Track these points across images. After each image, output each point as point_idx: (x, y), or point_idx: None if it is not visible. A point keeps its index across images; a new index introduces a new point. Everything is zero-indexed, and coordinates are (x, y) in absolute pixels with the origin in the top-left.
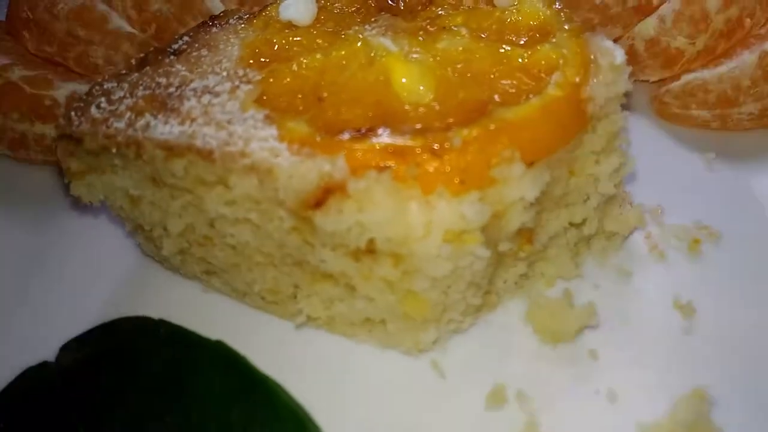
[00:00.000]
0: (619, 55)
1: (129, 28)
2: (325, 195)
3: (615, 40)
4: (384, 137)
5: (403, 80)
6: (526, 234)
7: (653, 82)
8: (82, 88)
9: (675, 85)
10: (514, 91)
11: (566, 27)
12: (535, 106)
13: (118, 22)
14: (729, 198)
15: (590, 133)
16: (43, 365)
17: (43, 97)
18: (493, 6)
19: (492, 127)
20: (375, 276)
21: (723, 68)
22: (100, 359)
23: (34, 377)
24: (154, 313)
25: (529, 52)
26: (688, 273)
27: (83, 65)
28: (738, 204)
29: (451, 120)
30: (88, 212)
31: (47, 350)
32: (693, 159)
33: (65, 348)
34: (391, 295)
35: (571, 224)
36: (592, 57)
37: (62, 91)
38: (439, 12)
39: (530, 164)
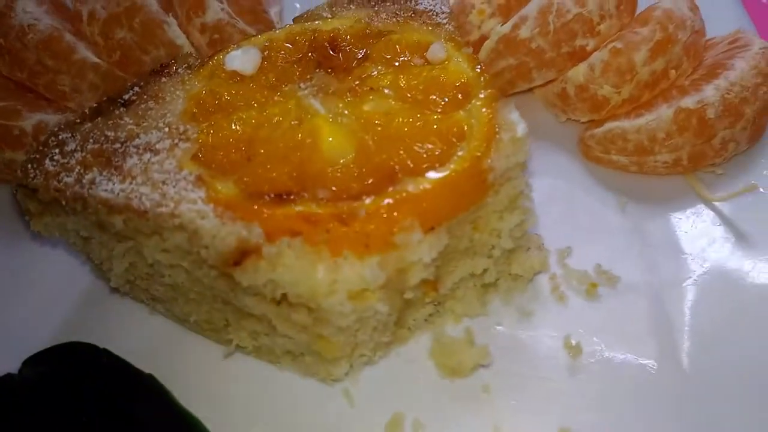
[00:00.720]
0: (520, 129)
1: (94, 59)
2: (242, 256)
3: (549, 83)
4: (299, 204)
5: (329, 139)
6: (430, 283)
7: (583, 122)
8: (49, 117)
9: (598, 131)
10: (425, 155)
11: (481, 95)
12: (437, 180)
13: (84, 52)
14: (634, 243)
15: (492, 195)
16: (7, 376)
17: (12, 127)
18: (426, 61)
19: (396, 198)
20: (291, 320)
21: (642, 120)
22: (53, 378)
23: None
24: (105, 333)
25: (443, 118)
26: (582, 315)
27: (52, 92)
28: (639, 249)
29: (368, 181)
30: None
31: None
32: (609, 200)
33: (26, 363)
34: (306, 336)
35: (473, 274)
36: (496, 130)
37: (30, 121)
38: (372, 72)
39: (429, 230)
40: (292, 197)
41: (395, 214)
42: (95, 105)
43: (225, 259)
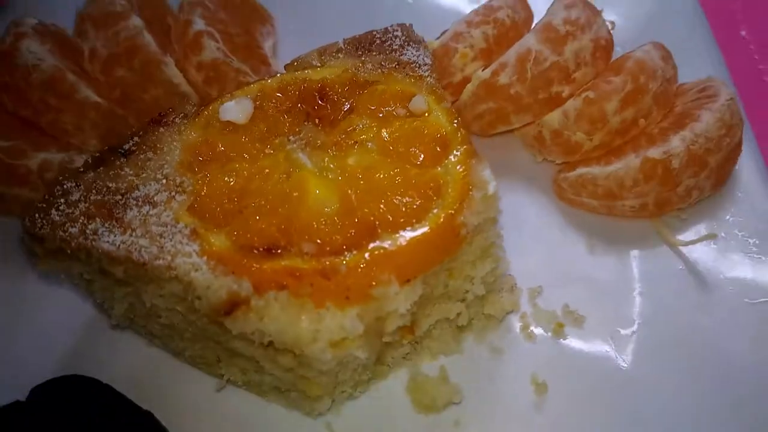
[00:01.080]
0: (491, 187)
1: (95, 98)
2: (232, 307)
3: (526, 125)
4: (286, 258)
5: (316, 192)
6: (407, 327)
7: (558, 163)
8: (53, 156)
9: (570, 174)
10: (403, 210)
11: (457, 152)
12: (411, 237)
13: (85, 92)
14: (600, 284)
15: (466, 246)
16: (17, 403)
17: (19, 166)
18: (408, 112)
19: (375, 254)
20: (277, 362)
21: (611, 167)
22: (59, 407)
23: (7, 412)
24: (106, 364)
25: (421, 172)
26: (549, 354)
27: (55, 129)
28: (604, 290)
29: (350, 233)
30: None
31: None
32: (578, 240)
33: (34, 391)
34: (291, 376)
35: (447, 318)
36: (470, 188)
37: (35, 160)
38: (358, 126)
39: (405, 282)
40: (279, 251)
41: (374, 269)
42: (97, 154)
43: (216, 309)
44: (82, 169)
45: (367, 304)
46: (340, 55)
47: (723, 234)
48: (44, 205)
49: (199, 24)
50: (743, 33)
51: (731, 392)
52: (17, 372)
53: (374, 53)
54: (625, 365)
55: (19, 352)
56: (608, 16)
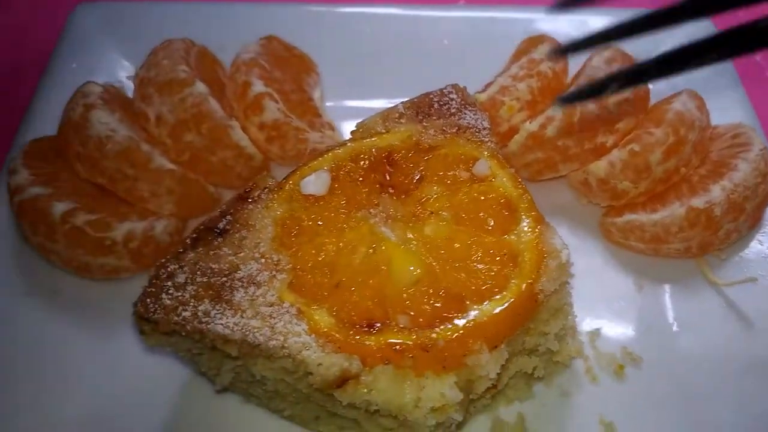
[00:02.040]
0: (564, 255)
1: (169, 165)
2: (343, 381)
3: (572, 173)
4: (387, 334)
5: (402, 265)
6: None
7: (603, 206)
8: (135, 225)
9: (618, 220)
10: (485, 279)
11: (526, 218)
12: (498, 307)
13: (159, 160)
14: (651, 324)
15: (542, 308)
16: None
17: (104, 238)
18: (472, 175)
19: (467, 327)
20: (378, 423)
21: (657, 215)
22: None
23: None
24: (207, 422)
25: (496, 241)
26: (613, 394)
27: (131, 196)
28: (656, 329)
29: (438, 304)
30: None
31: None
32: (627, 281)
33: None
34: None
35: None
36: (544, 257)
37: (120, 231)
38: (430, 195)
39: (494, 348)
40: (379, 326)
41: (466, 340)
42: (194, 235)
43: (329, 384)
44: (181, 250)
45: (462, 370)
46: (402, 120)
47: (760, 272)
48: (153, 290)
49: (258, 86)
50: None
51: None
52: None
53: (434, 117)
54: (681, 400)
55: (119, 414)
56: None
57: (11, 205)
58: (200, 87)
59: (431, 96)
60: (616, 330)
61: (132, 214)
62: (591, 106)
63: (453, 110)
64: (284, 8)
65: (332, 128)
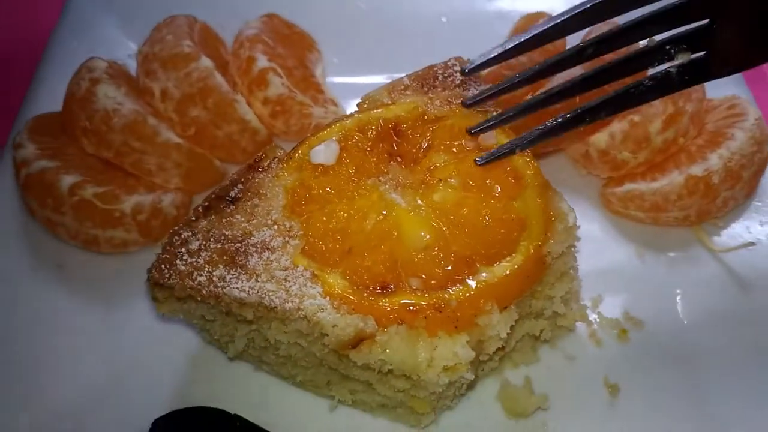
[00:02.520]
0: (571, 218)
1: (176, 139)
2: (358, 342)
3: (572, 145)
4: (400, 295)
5: (412, 230)
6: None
7: (603, 177)
8: (143, 198)
9: (618, 190)
10: (494, 242)
11: (534, 184)
12: (508, 269)
13: (166, 134)
14: (653, 289)
15: (548, 272)
16: None
17: (113, 210)
18: (478, 145)
19: (479, 288)
20: (390, 384)
21: (657, 184)
22: None
23: None
24: (215, 392)
25: (504, 207)
26: (617, 357)
27: (138, 169)
28: (659, 296)
29: (448, 268)
30: None
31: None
32: (628, 249)
33: (156, 423)
34: (401, 395)
35: (530, 334)
36: (552, 219)
37: (128, 203)
38: (438, 163)
39: (504, 308)
40: (392, 288)
41: (478, 300)
42: (206, 204)
43: (344, 344)
44: (193, 218)
45: (473, 330)
46: (407, 92)
47: (758, 238)
48: (167, 256)
49: (263, 60)
50: None
51: None
52: (133, 404)
53: (439, 89)
54: (683, 362)
55: (131, 384)
56: None
57: (17, 179)
58: (206, 61)
59: (435, 68)
60: (619, 296)
61: (139, 187)
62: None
63: (457, 82)
64: None
65: (335, 104)
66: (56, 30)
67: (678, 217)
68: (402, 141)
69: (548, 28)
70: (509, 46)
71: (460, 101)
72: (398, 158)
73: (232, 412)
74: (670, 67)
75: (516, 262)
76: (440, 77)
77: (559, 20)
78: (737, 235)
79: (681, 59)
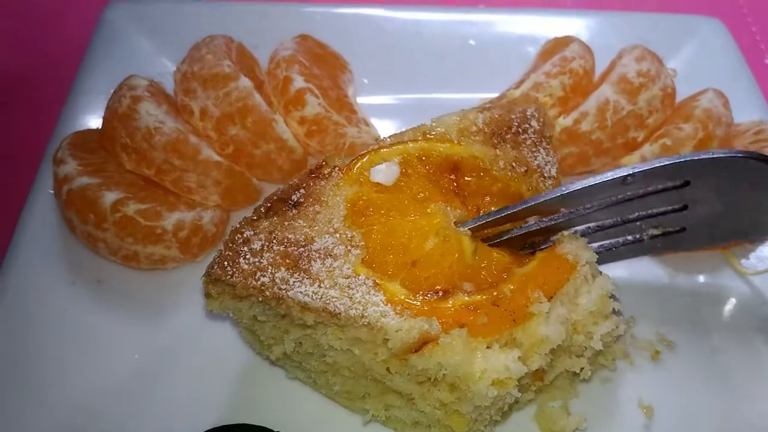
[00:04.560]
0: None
1: (217, 158)
2: (422, 345)
3: (602, 167)
4: (456, 299)
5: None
6: (539, 373)
7: None
8: (185, 215)
9: None
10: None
11: None
12: (536, 262)
13: (207, 152)
14: (684, 312)
15: (585, 289)
16: None
17: (155, 227)
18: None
19: (522, 278)
20: (432, 397)
21: None
22: None
23: None
24: (252, 401)
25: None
26: (650, 379)
27: (178, 187)
28: (689, 317)
29: (491, 277)
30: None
31: None
32: (660, 273)
33: None
34: (440, 412)
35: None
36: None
37: (170, 220)
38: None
39: (549, 297)
40: (450, 291)
41: (527, 290)
42: (268, 205)
43: (408, 348)
44: (254, 218)
45: (530, 322)
46: (477, 137)
47: None
48: (230, 253)
49: (300, 81)
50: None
51: None
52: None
53: (509, 145)
54: (715, 381)
55: (167, 397)
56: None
57: (58, 195)
58: (245, 81)
59: (512, 116)
60: (651, 317)
61: (180, 205)
62: (623, 103)
63: (529, 143)
64: (312, 8)
65: (367, 124)
66: (90, 47)
67: None
68: (459, 180)
69: (544, 202)
70: (506, 213)
71: (524, 170)
72: (464, 194)
73: (265, 425)
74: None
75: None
76: (514, 128)
77: (552, 197)
78: (766, 258)
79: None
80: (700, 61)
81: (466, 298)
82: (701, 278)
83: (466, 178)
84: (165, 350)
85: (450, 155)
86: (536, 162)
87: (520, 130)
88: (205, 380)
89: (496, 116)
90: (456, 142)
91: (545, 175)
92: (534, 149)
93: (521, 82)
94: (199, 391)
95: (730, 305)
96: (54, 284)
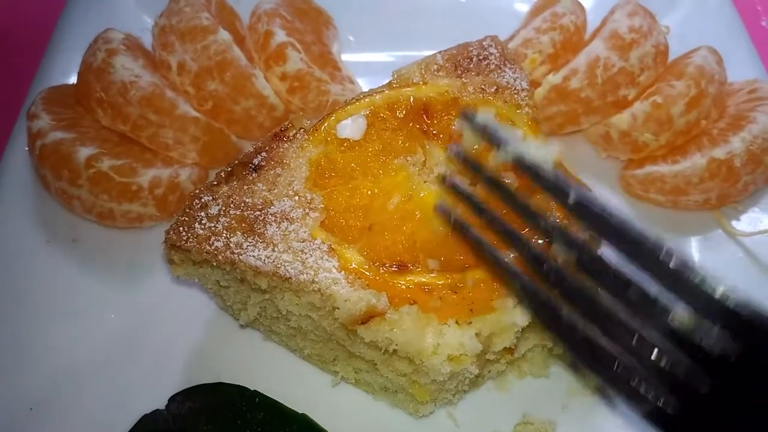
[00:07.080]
0: None
1: (194, 113)
2: (368, 318)
3: (592, 127)
4: (416, 274)
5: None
6: (508, 348)
7: (623, 160)
8: (161, 172)
9: (639, 172)
10: None
11: None
12: None
13: (184, 107)
14: None
15: None
16: (157, 412)
17: (131, 184)
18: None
19: None
20: (393, 366)
21: (678, 166)
22: (203, 413)
23: (150, 422)
24: (226, 364)
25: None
26: None
27: (155, 143)
28: None
29: (461, 256)
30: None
31: (157, 400)
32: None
33: (173, 399)
34: (403, 380)
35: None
36: None
37: (145, 177)
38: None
39: None
40: (410, 267)
41: (495, 284)
42: (229, 169)
43: (354, 319)
44: (215, 183)
45: (488, 314)
46: (440, 73)
47: None
48: (186, 219)
49: (281, 35)
50: (764, 23)
51: None
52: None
53: (473, 73)
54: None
55: (147, 360)
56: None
57: (32, 150)
58: (224, 34)
59: (470, 48)
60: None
61: (156, 161)
62: (614, 60)
63: (492, 66)
64: None
65: (352, 81)
66: (69, 2)
67: (699, 200)
68: (432, 122)
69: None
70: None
71: (494, 89)
72: (439, 135)
73: (238, 383)
74: None
75: None
76: (475, 58)
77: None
78: (756, 219)
79: None
80: (694, 19)
81: (423, 279)
82: (691, 239)
83: (439, 116)
84: (142, 310)
85: (418, 98)
86: (505, 80)
87: (480, 57)
88: (182, 340)
89: (454, 51)
90: (421, 83)
91: (517, 88)
92: (499, 71)
93: (511, 38)
94: (176, 351)
95: (721, 267)
96: (29, 242)
